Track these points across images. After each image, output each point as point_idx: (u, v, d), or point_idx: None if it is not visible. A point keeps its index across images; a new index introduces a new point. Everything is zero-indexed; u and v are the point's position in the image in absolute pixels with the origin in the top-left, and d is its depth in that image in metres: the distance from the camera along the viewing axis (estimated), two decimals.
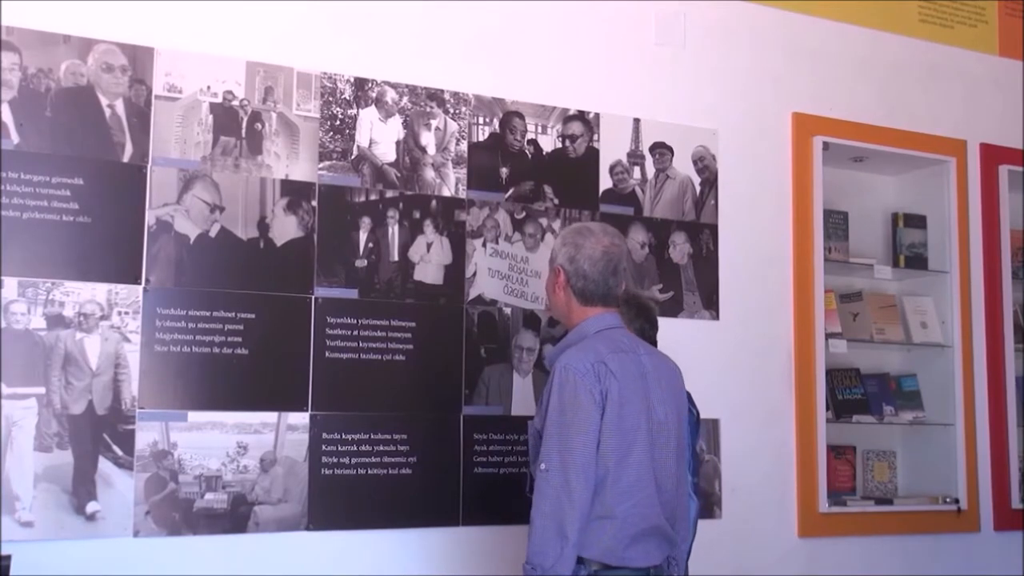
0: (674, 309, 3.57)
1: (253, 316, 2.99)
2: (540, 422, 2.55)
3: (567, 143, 3.49)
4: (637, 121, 3.61)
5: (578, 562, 2.45)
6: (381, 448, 3.10)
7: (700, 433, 3.09)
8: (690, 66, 3.73)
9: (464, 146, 3.34)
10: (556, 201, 3.44)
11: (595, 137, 3.53)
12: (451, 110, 3.33)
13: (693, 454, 2.93)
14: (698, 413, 3.01)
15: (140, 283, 2.88)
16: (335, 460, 3.04)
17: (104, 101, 2.91)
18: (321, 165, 3.14)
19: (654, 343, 2.96)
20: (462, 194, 3.32)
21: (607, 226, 2.75)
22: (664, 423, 2.59)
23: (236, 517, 2.92)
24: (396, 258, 3.20)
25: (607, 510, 2.47)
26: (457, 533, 3.18)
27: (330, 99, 3.17)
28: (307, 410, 3.03)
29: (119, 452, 2.81)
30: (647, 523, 2.52)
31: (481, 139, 3.37)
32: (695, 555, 2.88)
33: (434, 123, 3.31)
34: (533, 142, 3.44)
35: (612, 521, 2.48)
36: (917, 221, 4.17)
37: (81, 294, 2.82)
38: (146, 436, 2.84)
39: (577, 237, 2.67)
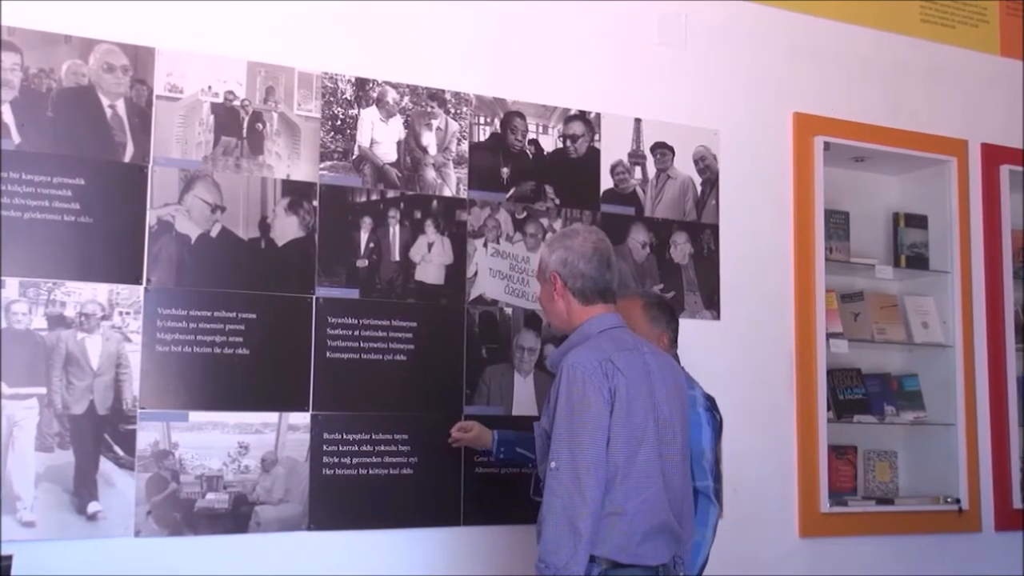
0: None
1: (254, 316, 2.99)
2: (548, 422, 2.55)
3: (568, 143, 3.49)
4: (638, 121, 3.61)
5: (589, 560, 2.45)
6: (382, 448, 3.11)
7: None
8: (691, 66, 3.73)
9: (465, 146, 3.34)
10: (557, 201, 3.44)
11: (596, 137, 3.54)
12: (452, 110, 3.34)
13: (716, 459, 2.93)
14: (721, 419, 3.00)
15: (141, 283, 2.88)
16: (336, 460, 3.04)
17: (105, 101, 2.91)
18: (322, 165, 3.14)
19: (675, 342, 3.01)
20: (463, 194, 3.32)
21: (589, 225, 2.87)
22: (670, 421, 2.59)
23: (237, 517, 2.92)
24: (397, 258, 3.20)
25: (617, 507, 2.47)
26: (458, 533, 3.18)
27: (331, 99, 3.18)
28: (308, 410, 3.03)
29: (120, 452, 2.81)
30: (656, 520, 2.52)
31: (482, 139, 3.37)
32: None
33: (435, 123, 3.31)
34: (534, 142, 3.44)
35: (622, 518, 2.47)
36: (918, 221, 4.17)
37: (82, 294, 2.82)
38: (147, 436, 2.84)
39: (564, 240, 2.69)
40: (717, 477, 2.91)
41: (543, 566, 2.43)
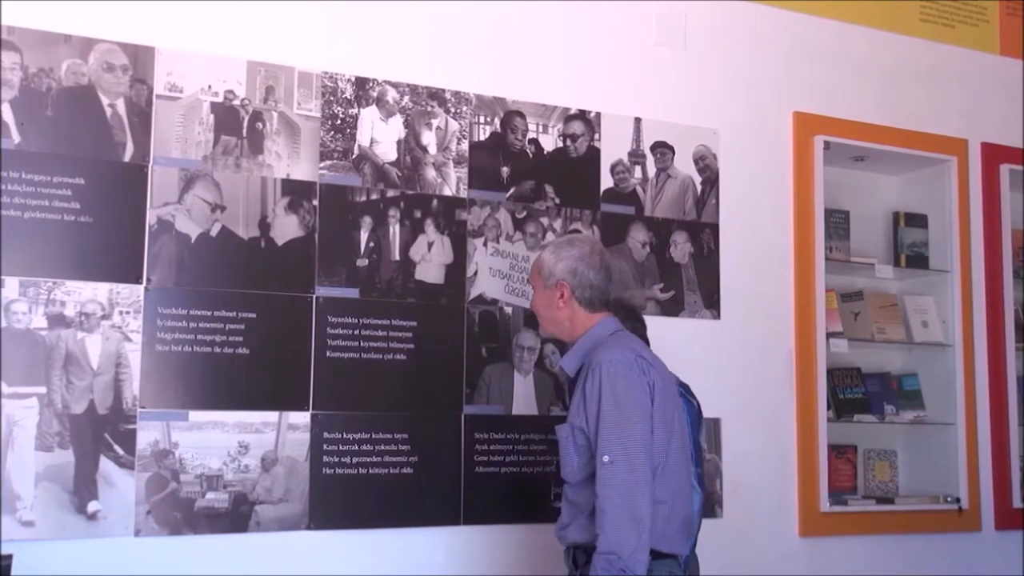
0: (675, 308, 3.57)
1: (254, 315, 2.99)
2: (584, 422, 2.57)
3: (568, 142, 3.49)
4: (638, 120, 3.61)
5: None
6: (382, 447, 3.10)
7: (701, 430, 3.10)
8: (691, 66, 3.73)
9: (465, 145, 3.34)
10: (557, 200, 3.44)
11: (596, 136, 3.53)
12: (452, 109, 3.33)
13: (696, 446, 2.95)
14: (699, 405, 3.02)
15: (141, 282, 2.88)
16: (336, 459, 3.04)
17: (105, 100, 2.91)
18: (322, 164, 3.14)
19: (647, 340, 3.00)
20: (463, 193, 3.32)
21: (588, 234, 3.09)
22: (680, 416, 2.69)
23: (237, 516, 2.92)
24: (397, 257, 3.20)
25: (660, 497, 2.54)
26: (458, 532, 3.18)
27: (331, 98, 3.17)
28: (308, 409, 3.03)
29: (120, 451, 2.81)
30: (685, 511, 2.63)
31: (482, 138, 3.37)
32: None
33: (435, 122, 3.31)
34: (534, 141, 3.44)
35: (663, 506, 2.55)
36: (918, 220, 4.17)
37: (82, 294, 2.82)
38: (147, 435, 2.84)
39: (571, 249, 2.74)
40: (699, 462, 2.93)
41: (614, 557, 2.44)
